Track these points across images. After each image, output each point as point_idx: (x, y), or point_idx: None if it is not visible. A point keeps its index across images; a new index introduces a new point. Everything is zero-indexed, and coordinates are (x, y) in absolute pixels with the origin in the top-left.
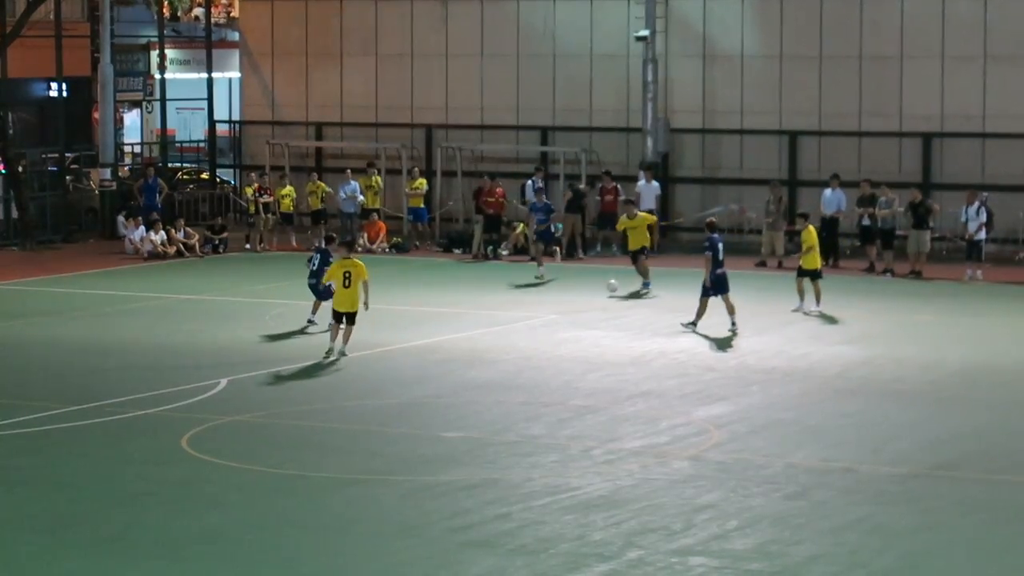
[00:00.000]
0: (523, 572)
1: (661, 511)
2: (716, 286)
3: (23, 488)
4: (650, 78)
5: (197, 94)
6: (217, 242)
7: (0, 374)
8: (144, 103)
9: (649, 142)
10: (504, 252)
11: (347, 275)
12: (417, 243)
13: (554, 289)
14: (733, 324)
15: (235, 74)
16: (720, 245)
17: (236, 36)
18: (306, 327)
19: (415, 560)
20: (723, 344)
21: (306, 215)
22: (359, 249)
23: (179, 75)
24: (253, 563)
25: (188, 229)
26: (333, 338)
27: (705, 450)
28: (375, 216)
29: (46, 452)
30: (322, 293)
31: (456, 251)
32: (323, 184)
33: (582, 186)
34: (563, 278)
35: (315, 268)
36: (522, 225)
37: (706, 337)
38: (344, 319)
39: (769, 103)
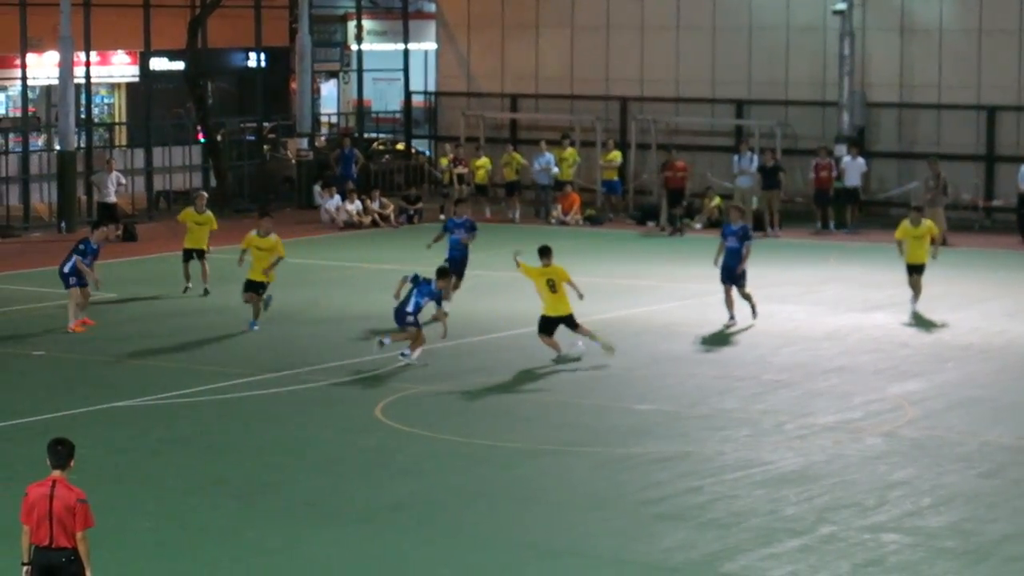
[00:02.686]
0: (715, 545)
1: (854, 487)
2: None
3: (219, 454)
4: (847, 52)
5: (393, 65)
6: (412, 212)
7: (198, 341)
8: (341, 74)
9: (845, 116)
10: (697, 225)
11: (551, 282)
12: (611, 215)
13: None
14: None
15: (431, 45)
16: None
17: (432, 7)
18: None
19: (606, 532)
20: (919, 321)
21: (500, 186)
22: (552, 222)
23: (376, 46)
24: (443, 532)
25: (383, 199)
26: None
27: (899, 427)
28: (569, 188)
29: (242, 419)
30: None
31: (650, 224)
32: (518, 155)
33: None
34: (755, 253)
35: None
36: (718, 198)
37: (902, 314)
38: (563, 323)
39: (967, 77)
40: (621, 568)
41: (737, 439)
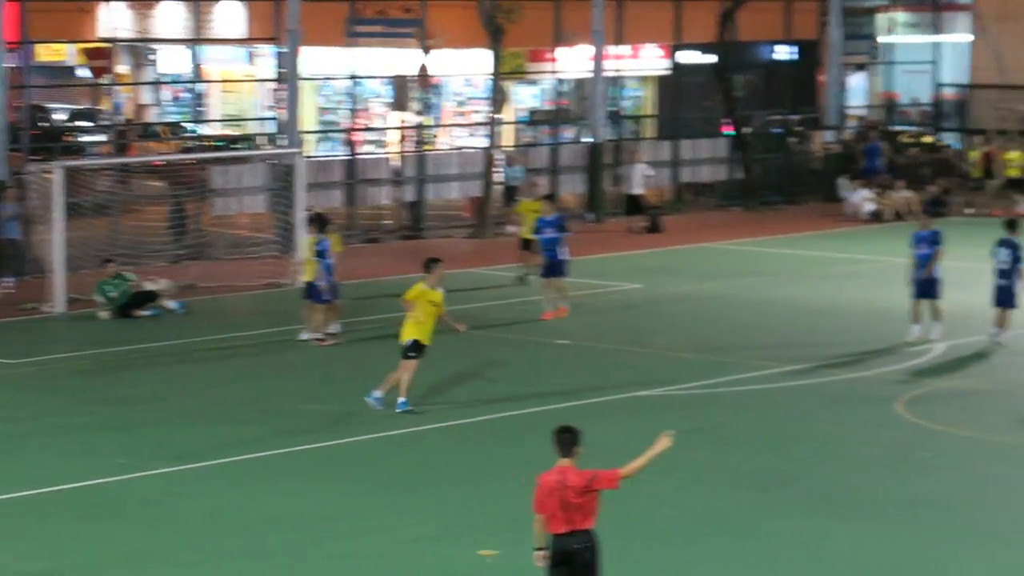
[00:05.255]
0: None
1: None
2: None
3: (737, 445)
4: None
5: (922, 57)
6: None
7: (716, 332)
8: (869, 66)
9: None
10: None
11: None
12: None
13: None
14: None
15: (962, 37)
16: None
17: None
18: None
19: None
20: None
21: None
22: None
23: (905, 38)
24: (962, 532)
25: (908, 192)
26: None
27: None
28: None
29: (760, 410)
30: None
31: None
32: None
33: None
34: None
35: None
36: None
37: None
38: None
39: None
40: None
41: None
